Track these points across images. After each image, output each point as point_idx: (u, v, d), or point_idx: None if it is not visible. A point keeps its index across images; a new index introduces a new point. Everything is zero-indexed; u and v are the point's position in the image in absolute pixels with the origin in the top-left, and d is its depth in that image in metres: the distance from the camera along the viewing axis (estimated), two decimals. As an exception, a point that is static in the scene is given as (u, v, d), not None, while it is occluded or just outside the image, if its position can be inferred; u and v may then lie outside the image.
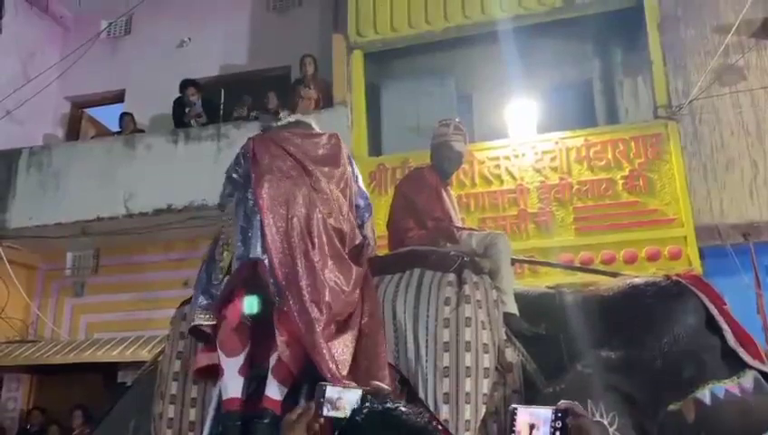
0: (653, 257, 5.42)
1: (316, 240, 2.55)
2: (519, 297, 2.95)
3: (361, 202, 3.05)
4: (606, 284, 3.02)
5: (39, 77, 7.94)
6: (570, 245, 5.69)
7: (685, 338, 2.52)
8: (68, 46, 8.64)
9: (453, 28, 6.65)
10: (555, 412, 1.37)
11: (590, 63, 7.17)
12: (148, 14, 8.50)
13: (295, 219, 2.53)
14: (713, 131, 6.32)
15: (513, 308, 2.86)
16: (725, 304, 2.68)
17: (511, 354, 2.68)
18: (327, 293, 2.42)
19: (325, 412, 1.37)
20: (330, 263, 2.55)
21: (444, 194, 3.40)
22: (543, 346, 2.75)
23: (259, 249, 2.44)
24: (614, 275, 3.33)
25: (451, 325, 2.59)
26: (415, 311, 2.64)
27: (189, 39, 8.34)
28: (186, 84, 7.31)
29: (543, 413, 1.38)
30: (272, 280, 2.41)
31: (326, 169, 2.81)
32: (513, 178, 6.02)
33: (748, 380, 2.49)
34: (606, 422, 2.41)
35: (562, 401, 1.40)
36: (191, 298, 2.81)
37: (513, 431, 1.35)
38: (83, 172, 6.97)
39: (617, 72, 7.03)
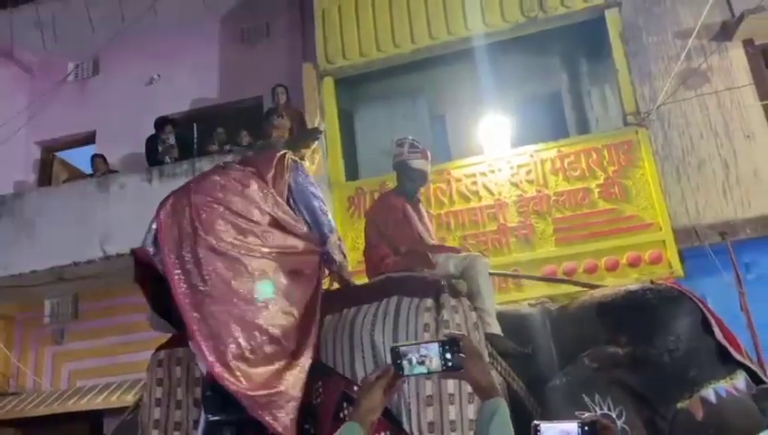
0: (634, 263, 5.46)
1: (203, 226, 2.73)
2: (503, 317, 2.95)
3: (322, 218, 3.06)
4: (600, 291, 3.06)
5: (8, 124, 7.85)
6: (551, 256, 5.71)
7: (687, 337, 2.62)
8: (36, 91, 8.57)
9: (421, 49, 6.71)
10: (581, 426, 1.36)
11: (558, 76, 7.27)
12: (115, 53, 8.46)
13: (188, 210, 2.73)
14: (683, 135, 6.44)
15: (496, 329, 2.84)
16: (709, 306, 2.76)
17: (495, 376, 2.66)
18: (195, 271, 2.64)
19: (407, 372, 1.39)
20: (219, 253, 2.69)
21: (412, 214, 3.38)
22: (532, 363, 2.75)
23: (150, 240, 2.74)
24: (593, 286, 3.36)
25: None
26: (394, 339, 2.61)
27: (158, 76, 8.31)
28: (161, 123, 7.26)
29: (568, 427, 1.37)
30: (160, 266, 2.68)
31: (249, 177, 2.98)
32: (491, 193, 6.05)
33: (740, 380, 2.55)
34: (614, 415, 2.44)
35: (587, 414, 1.39)
36: (166, 343, 2.81)
37: None
38: (57, 217, 6.84)
39: (584, 83, 7.14)
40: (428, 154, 3.52)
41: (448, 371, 1.41)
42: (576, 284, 3.83)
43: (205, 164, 6.69)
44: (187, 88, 8.17)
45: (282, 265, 2.79)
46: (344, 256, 3.08)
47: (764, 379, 2.60)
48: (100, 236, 6.70)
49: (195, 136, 8.01)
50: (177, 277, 2.62)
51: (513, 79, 6.98)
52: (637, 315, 2.66)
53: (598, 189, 5.78)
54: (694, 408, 2.41)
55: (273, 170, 3.06)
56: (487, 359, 2.67)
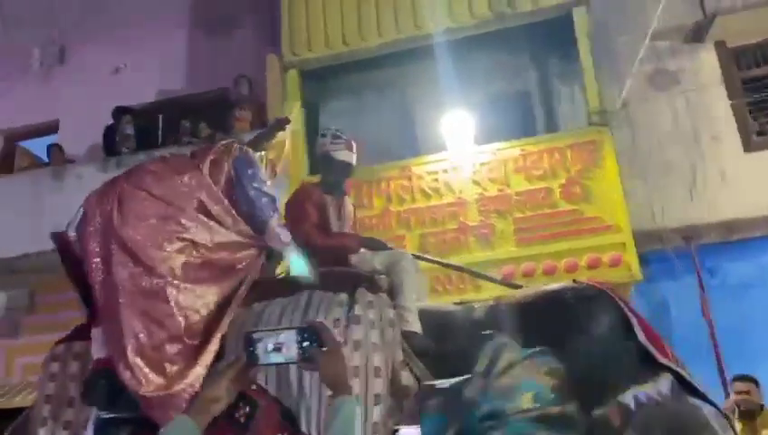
0: (593, 265, 5.33)
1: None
2: (425, 315, 2.82)
3: (259, 204, 2.86)
4: (522, 292, 2.93)
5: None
6: (511, 256, 5.58)
7: (605, 337, 2.46)
8: (-1, 77, 8.40)
9: (388, 44, 6.57)
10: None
11: (527, 74, 7.14)
12: (81, 41, 8.31)
13: (113, 198, 2.67)
14: (650, 136, 6.33)
15: (415, 326, 2.71)
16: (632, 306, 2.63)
17: (407, 377, 2.53)
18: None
19: (261, 360, 1.29)
20: (128, 245, 2.60)
21: (326, 207, 3.24)
22: (450, 363, 2.62)
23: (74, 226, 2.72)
24: (515, 286, 3.26)
25: None
26: None
27: (125, 65, 8.12)
28: (119, 112, 7.09)
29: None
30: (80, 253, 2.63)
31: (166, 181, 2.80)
32: (453, 191, 5.91)
33: (664, 384, 2.39)
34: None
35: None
36: (65, 338, 2.70)
37: None
38: (8, 208, 6.64)
39: (554, 82, 7.02)
40: (354, 145, 3.36)
41: (304, 361, 1.32)
42: (498, 282, 3.71)
43: (163, 155, 6.52)
44: (153, 78, 7.99)
45: (199, 258, 2.66)
46: (285, 244, 2.86)
47: (692, 382, 2.46)
48: (53, 227, 6.46)
49: (160, 127, 7.86)
50: (94, 266, 2.55)
51: (483, 76, 6.86)
52: (552, 317, 2.50)
53: (560, 190, 5.65)
54: (611, 415, 2.26)
55: (210, 158, 2.91)
56: (401, 357, 2.54)
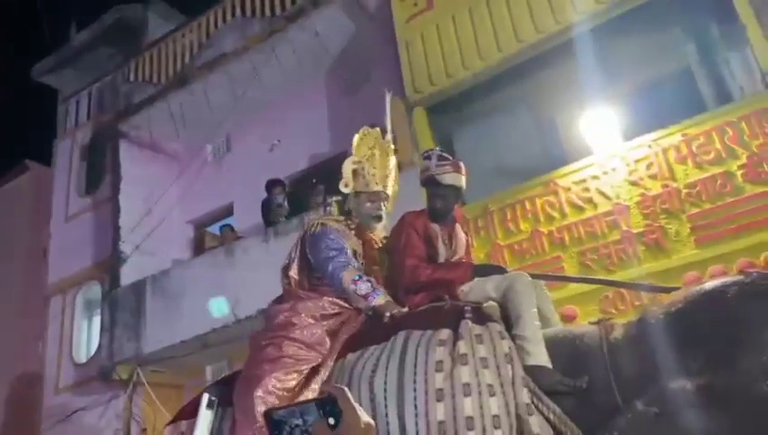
0: (802, 255, 4.24)
1: None
2: (553, 343, 2.36)
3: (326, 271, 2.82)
4: (671, 296, 2.34)
5: (163, 208, 8.88)
6: (693, 261, 4.68)
7: None
8: (182, 175, 9.57)
9: (509, 57, 6.17)
10: (320, 405, 1.09)
11: (684, 48, 6.19)
12: (241, 129, 9.16)
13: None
14: None
15: (540, 359, 2.27)
16: None
17: (539, 424, 2.09)
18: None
19: None
20: None
21: (438, 240, 2.92)
22: (592, 400, 2.13)
23: None
24: (665, 290, 2.61)
25: (446, 398, 2.09)
26: (399, 385, 2.18)
27: (279, 141, 8.71)
28: (271, 184, 7.59)
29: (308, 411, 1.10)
30: None
31: None
32: (608, 198, 5.20)
33: None
34: None
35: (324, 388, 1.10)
36: (172, 420, 2.84)
37: None
38: (195, 288, 7.39)
39: (718, 49, 5.97)
40: (461, 167, 3.04)
41: None
42: (645, 290, 3.03)
43: (312, 217, 6.78)
44: (301, 147, 8.47)
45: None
46: (366, 298, 2.69)
47: None
48: (231, 301, 7.06)
49: (318, 191, 8.23)
50: None
51: (629, 62, 6.06)
52: (712, 326, 1.89)
53: (741, 172, 4.67)
54: None
55: (297, 253, 2.98)
56: (527, 399, 2.10)
